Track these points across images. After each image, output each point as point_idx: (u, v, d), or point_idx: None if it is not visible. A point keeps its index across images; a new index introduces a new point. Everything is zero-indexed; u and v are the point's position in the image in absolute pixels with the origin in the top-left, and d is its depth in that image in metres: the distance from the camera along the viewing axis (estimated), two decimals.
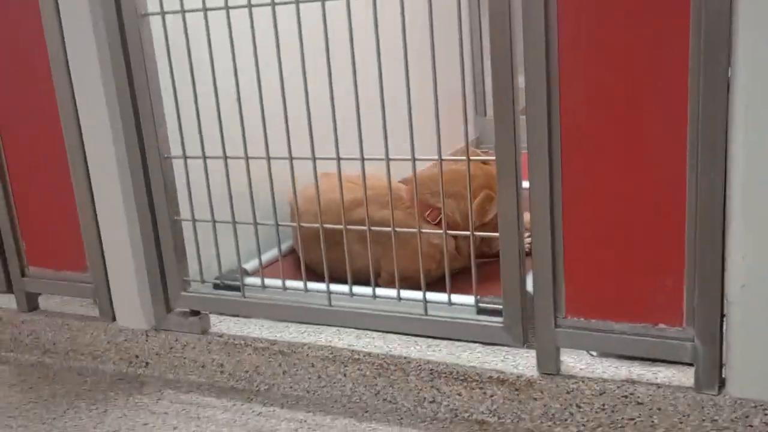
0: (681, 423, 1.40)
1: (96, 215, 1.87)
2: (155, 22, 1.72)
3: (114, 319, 1.95)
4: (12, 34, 1.86)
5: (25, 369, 2.01)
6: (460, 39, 1.45)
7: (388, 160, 1.57)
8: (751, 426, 1.34)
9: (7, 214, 2.02)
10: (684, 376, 1.44)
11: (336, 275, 1.72)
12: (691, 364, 1.40)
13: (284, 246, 2.18)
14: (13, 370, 2.01)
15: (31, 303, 2.10)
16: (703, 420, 1.38)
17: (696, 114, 1.28)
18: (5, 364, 2.04)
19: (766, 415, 1.33)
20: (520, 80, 1.41)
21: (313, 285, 1.74)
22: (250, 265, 2.03)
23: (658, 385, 1.43)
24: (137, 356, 1.91)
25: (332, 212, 1.83)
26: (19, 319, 2.08)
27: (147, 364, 1.91)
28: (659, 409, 1.42)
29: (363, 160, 1.60)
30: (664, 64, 1.29)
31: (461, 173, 1.77)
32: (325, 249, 1.71)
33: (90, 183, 1.85)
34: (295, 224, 1.85)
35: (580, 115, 1.37)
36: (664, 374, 1.46)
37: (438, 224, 1.89)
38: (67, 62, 1.77)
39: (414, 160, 1.56)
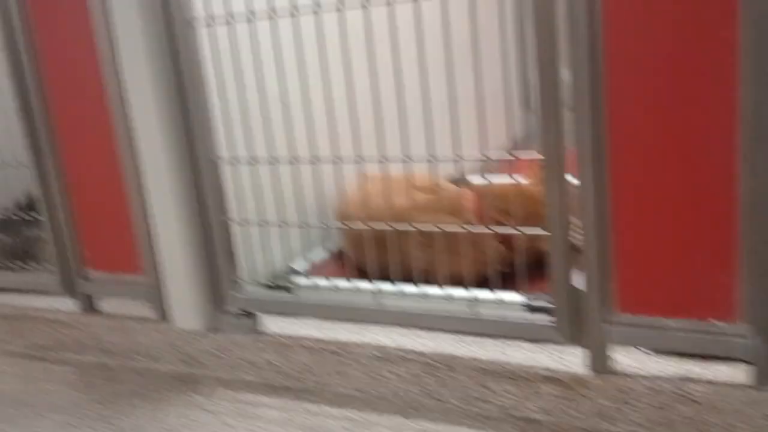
0: (737, 422, 1.37)
1: (150, 219, 1.92)
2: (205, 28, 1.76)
3: (169, 320, 2.00)
4: (65, 44, 1.93)
5: (86, 369, 2.08)
6: (504, 33, 1.45)
7: (433, 160, 1.57)
8: None
9: (67, 221, 2.09)
10: (740, 374, 1.41)
11: (392, 277, 1.73)
12: (747, 361, 1.37)
13: (333, 246, 2.20)
14: (76, 370, 2.08)
15: (91, 305, 2.17)
16: (761, 418, 1.35)
17: (748, 102, 1.25)
18: (68, 365, 2.12)
19: None
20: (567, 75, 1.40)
21: (362, 285, 1.76)
22: (300, 265, 2.06)
23: (713, 383, 1.40)
24: (192, 356, 1.96)
25: (386, 217, 1.82)
26: (81, 321, 2.15)
27: (201, 363, 1.95)
28: (714, 407, 1.39)
29: (408, 161, 1.61)
30: (714, 50, 1.26)
31: (527, 195, 1.73)
32: (378, 252, 1.72)
33: (144, 188, 1.90)
34: (344, 227, 1.86)
35: (627, 106, 1.35)
36: (719, 371, 1.43)
37: (502, 242, 1.86)
38: (119, 70, 1.83)
39: (458, 160, 1.55)
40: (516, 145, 1.64)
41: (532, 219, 1.63)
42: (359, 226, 1.87)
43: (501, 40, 1.45)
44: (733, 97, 1.27)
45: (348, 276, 1.80)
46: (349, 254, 2.10)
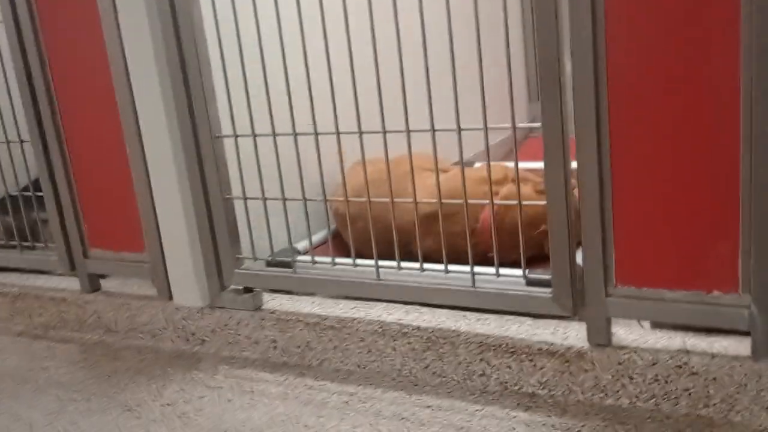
0: (738, 393, 1.36)
1: (152, 196, 1.92)
2: (205, 3, 1.76)
3: (171, 297, 2.00)
4: (67, 21, 1.93)
5: (88, 347, 2.09)
6: (506, 24, 1.44)
7: (433, 131, 1.57)
8: None
9: (70, 199, 2.10)
10: (741, 346, 1.40)
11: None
12: (748, 333, 1.36)
13: (333, 227, 2.20)
14: (78, 348, 2.09)
15: (93, 284, 2.18)
16: (761, 390, 1.34)
17: (749, 73, 1.24)
18: (70, 343, 2.12)
19: None
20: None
21: (361, 260, 1.76)
22: (302, 245, 2.06)
23: (713, 355, 1.40)
24: (193, 333, 1.97)
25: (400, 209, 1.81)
26: (83, 300, 2.16)
27: (203, 341, 1.96)
28: (715, 379, 1.38)
29: (408, 132, 1.60)
30: (715, 29, 1.26)
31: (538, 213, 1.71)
32: (366, 231, 1.72)
33: (146, 165, 1.90)
34: (342, 199, 1.85)
35: (628, 79, 1.34)
36: (719, 344, 1.43)
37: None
38: (122, 46, 1.83)
39: (459, 130, 1.55)
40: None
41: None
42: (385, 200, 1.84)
43: (504, 28, 1.44)
44: (735, 73, 1.26)
45: (348, 255, 1.80)
46: (345, 236, 2.08)
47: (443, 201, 1.64)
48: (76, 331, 2.17)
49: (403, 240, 1.75)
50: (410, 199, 1.68)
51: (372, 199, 1.71)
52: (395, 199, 1.68)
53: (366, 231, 1.74)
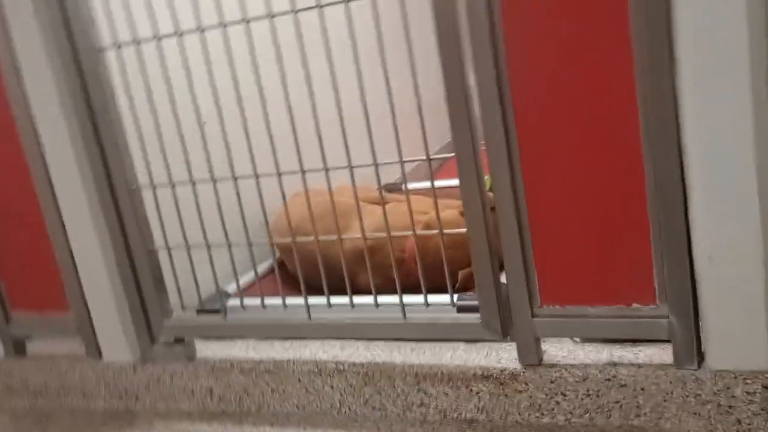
0: (665, 401, 1.40)
1: (72, 254, 1.87)
2: (112, 55, 1.73)
3: (100, 355, 1.94)
4: None
5: (18, 416, 2.00)
6: (409, 44, 1.46)
7: (351, 167, 1.58)
8: (734, 396, 1.34)
9: None
10: (665, 354, 1.44)
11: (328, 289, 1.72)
12: (669, 341, 1.40)
13: (263, 265, 2.17)
14: (7, 417, 2.01)
15: (18, 348, 2.10)
16: (687, 396, 1.38)
17: (644, 90, 1.29)
18: None
19: (746, 384, 1.33)
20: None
21: (291, 300, 1.74)
22: (231, 287, 2.03)
23: (639, 365, 1.43)
24: (126, 390, 1.91)
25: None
26: (8, 366, 2.08)
27: (136, 397, 1.90)
28: (642, 389, 1.41)
29: (327, 170, 1.61)
30: (610, 42, 1.30)
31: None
32: (304, 264, 1.72)
33: (63, 222, 1.85)
34: (268, 241, 1.84)
35: (532, 105, 1.37)
36: (644, 354, 1.46)
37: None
38: (28, 103, 1.78)
39: (402, 162, 1.54)
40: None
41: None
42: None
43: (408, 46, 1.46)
44: (630, 88, 1.30)
45: (279, 294, 1.78)
46: (290, 267, 2.07)
47: (369, 237, 1.65)
48: (5, 399, 2.08)
49: (340, 275, 1.74)
50: (341, 236, 1.68)
51: (299, 240, 1.71)
52: (321, 238, 1.68)
53: (308, 263, 1.75)
